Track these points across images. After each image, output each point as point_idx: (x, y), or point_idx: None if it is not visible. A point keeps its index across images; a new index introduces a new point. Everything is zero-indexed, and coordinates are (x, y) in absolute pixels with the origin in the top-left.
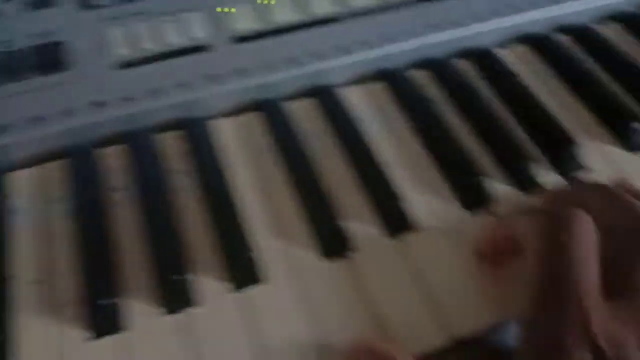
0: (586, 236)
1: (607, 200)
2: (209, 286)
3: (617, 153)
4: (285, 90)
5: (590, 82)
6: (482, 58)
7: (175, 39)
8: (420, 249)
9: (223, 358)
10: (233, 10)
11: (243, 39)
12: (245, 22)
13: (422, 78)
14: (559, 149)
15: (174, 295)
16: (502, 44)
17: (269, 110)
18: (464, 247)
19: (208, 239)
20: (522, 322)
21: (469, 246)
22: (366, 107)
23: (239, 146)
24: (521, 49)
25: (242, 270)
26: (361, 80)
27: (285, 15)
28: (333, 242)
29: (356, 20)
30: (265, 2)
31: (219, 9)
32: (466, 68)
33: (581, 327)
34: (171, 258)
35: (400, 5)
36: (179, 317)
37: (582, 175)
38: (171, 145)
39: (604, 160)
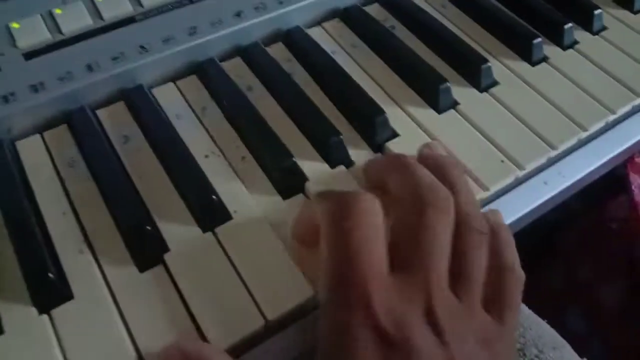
0: (369, 218)
1: (398, 173)
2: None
3: (427, 117)
4: None
5: (399, 51)
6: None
7: None
8: (233, 237)
9: None
10: None
11: None
12: None
13: None
14: (368, 120)
15: None
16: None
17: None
18: (277, 232)
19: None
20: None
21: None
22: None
23: None
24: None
25: None
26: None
27: None
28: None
29: None
30: None
31: None
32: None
33: (364, 309)
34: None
35: None
36: None
37: (393, 144)
38: None
39: (411, 128)
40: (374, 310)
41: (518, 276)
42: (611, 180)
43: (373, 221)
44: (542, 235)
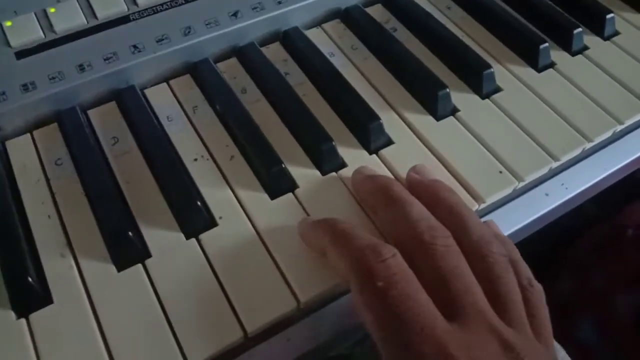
0: (399, 270)
1: (389, 208)
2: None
3: (424, 123)
4: None
5: (399, 54)
6: None
7: None
8: (217, 245)
9: None
10: None
11: None
12: None
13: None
14: (362, 126)
15: None
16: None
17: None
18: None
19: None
20: None
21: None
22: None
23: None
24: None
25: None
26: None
27: None
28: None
29: None
30: None
31: None
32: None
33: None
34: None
35: None
36: None
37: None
38: None
39: (407, 135)
40: (455, 356)
41: (539, 289)
42: (629, 185)
43: (403, 272)
44: (553, 241)
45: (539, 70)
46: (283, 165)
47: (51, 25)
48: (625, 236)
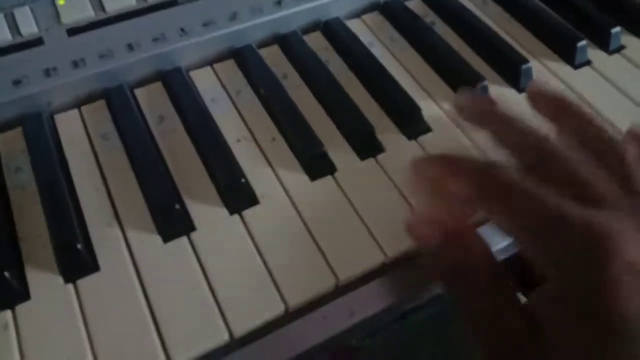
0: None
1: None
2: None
3: None
4: None
5: (437, 47)
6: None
7: None
8: (259, 221)
9: None
10: None
11: None
12: None
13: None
14: (403, 113)
15: None
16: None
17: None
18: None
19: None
20: None
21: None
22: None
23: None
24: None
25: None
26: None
27: None
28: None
29: None
30: None
31: None
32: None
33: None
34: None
35: None
36: None
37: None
38: None
39: (445, 123)
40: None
41: None
42: None
43: (525, 177)
44: None
45: (576, 68)
46: (324, 148)
47: (102, 4)
48: None
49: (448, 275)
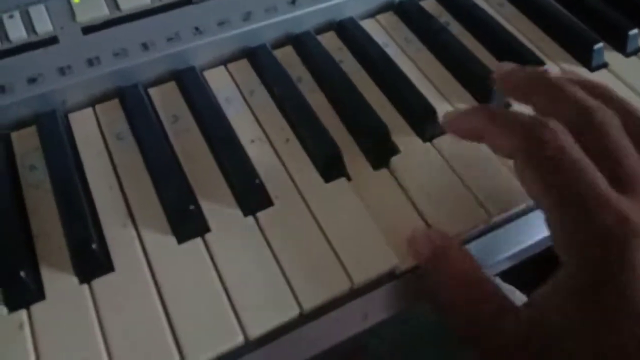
0: (564, 139)
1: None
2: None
3: None
4: None
5: (452, 48)
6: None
7: None
8: (273, 223)
9: None
10: None
11: None
12: None
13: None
14: (417, 115)
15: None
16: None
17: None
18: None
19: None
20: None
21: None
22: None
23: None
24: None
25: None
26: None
27: None
28: None
29: None
30: None
31: None
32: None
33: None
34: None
35: None
36: None
37: (442, 141)
38: None
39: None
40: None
41: None
42: None
43: (572, 143)
44: None
45: (592, 70)
46: (338, 150)
47: (117, 3)
48: None
49: (432, 291)
